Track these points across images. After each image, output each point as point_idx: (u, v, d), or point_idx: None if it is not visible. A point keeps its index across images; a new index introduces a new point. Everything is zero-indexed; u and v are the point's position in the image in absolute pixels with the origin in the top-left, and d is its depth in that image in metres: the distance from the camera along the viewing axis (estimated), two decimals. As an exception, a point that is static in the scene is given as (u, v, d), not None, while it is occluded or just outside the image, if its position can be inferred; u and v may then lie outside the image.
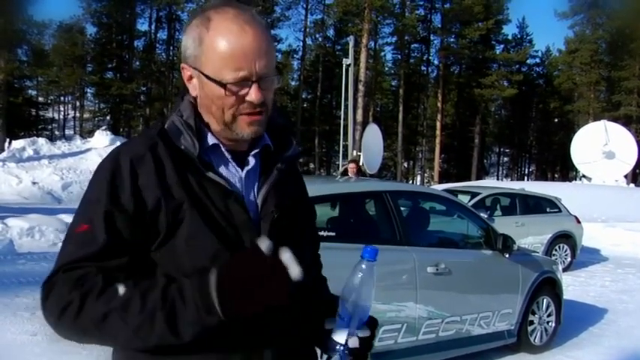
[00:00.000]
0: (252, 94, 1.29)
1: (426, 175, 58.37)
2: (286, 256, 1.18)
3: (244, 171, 1.38)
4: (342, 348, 1.32)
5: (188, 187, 1.28)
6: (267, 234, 1.30)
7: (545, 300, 5.95)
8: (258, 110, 1.31)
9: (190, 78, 1.35)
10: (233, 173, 1.37)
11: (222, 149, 1.36)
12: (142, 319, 1.16)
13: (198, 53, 1.30)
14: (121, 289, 1.17)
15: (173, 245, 1.26)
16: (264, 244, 1.18)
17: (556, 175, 62.05)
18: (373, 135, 21.81)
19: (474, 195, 11.26)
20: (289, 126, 1.51)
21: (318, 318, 1.41)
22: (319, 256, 1.66)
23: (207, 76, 1.30)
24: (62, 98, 58.25)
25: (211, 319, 1.15)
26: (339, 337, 1.33)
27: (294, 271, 1.17)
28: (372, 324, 1.39)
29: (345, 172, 13.76)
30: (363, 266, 1.32)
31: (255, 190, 1.38)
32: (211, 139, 1.35)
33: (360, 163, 14.29)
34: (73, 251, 1.24)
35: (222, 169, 1.35)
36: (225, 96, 1.29)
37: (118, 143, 1.74)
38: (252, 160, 1.38)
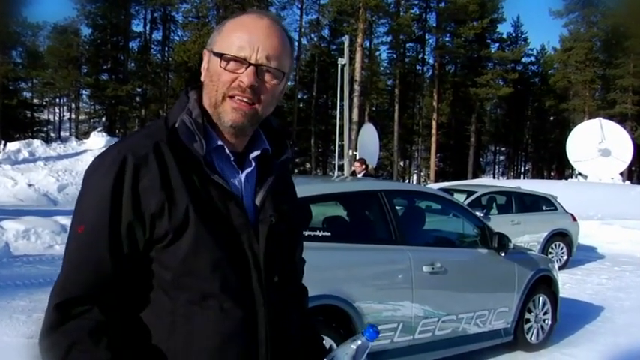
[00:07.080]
0: (244, 75, 1.29)
1: (422, 174, 58.42)
2: None
3: (244, 174, 1.37)
4: None
5: (192, 191, 1.27)
6: (264, 238, 1.33)
7: (541, 298, 5.97)
8: (246, 97, 1.30)
9: (206, 64, 1.38)
10: (234, 175, 1.36)
11: (227, 151, 1.35)
12: None
13: (216, 37, 1.36)
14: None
15: (177, 248, 1.26)
16: None
17: (552, 174, 62.13)
18: (369, 134, 21.90)
19: (470, 194, 11.27)
20: (284, 128, 1.51)
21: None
22: (304, 261, 1.65)
23: (213, 52, 1.33)
24: (57, 100, 57.94)
25: None
26: None
27: None
28: None
29: (354, 173, 13.82)
30: (360, 342, 1.33)
31: (253, 193, 1.38)
32: (217, 141, 1.34)
33: (368, 163, 14.26)
34: (75, 272, 1.26)
35: (223, 171, 1.35)
36: (222, 71, 1.31)
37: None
38: (252, 163, 1.39)
